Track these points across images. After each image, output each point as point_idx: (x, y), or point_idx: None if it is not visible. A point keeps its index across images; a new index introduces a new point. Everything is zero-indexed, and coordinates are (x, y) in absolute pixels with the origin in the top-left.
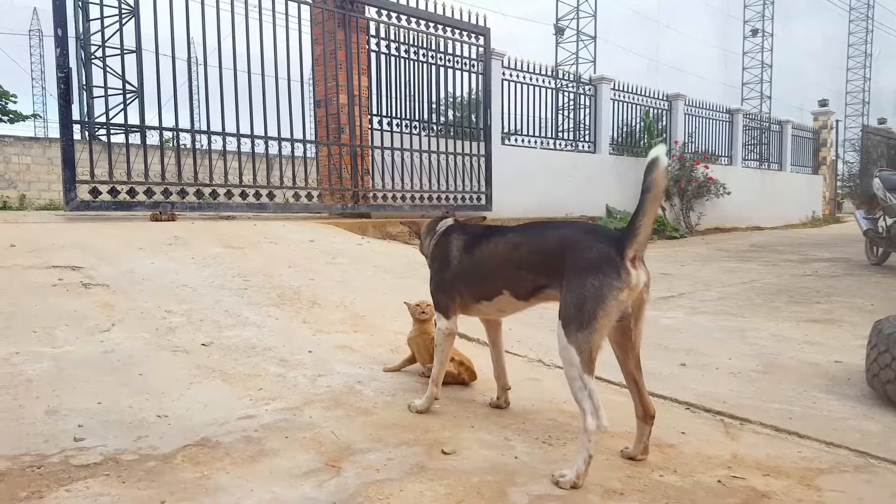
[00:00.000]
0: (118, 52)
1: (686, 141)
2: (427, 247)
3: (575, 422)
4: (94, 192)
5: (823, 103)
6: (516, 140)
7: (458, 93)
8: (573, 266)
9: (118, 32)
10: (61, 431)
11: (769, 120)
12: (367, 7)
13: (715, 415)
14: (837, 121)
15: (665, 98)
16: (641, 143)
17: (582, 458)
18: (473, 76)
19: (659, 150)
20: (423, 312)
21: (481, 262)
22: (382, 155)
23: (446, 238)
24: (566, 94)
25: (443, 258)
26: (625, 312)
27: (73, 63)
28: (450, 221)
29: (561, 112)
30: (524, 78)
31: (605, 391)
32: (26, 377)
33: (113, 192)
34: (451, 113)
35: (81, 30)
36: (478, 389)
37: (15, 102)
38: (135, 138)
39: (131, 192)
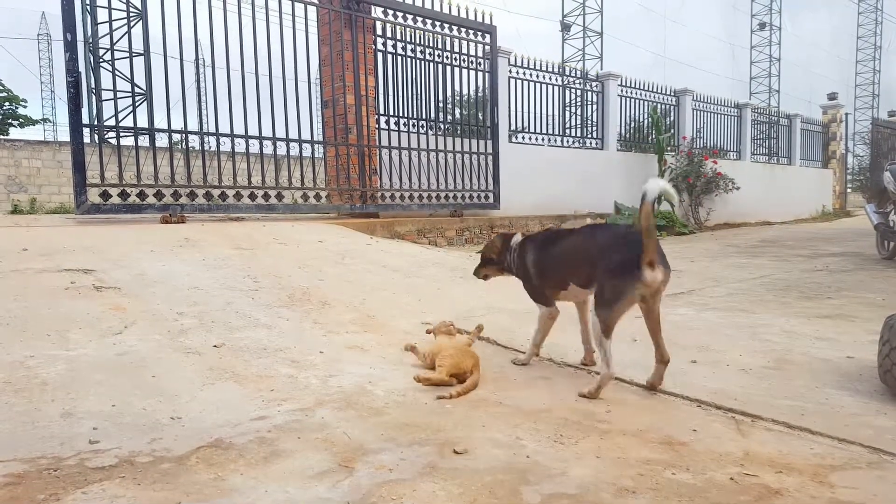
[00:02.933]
0: (126, 55)
1: (694, 136)
2: (511, 264)
3: (586, 421)
4: (105, 196)
5: (833, 97)
6: (523, 138)
7: (464, 91)
8: (606, 266)
9: (126, 35)
10: (76, 434)
11: (778, 114)
12: (373, 7)
13: (726, 412)
14: (847, 114)
15: (672, 93)
16: (649, 139)
17: (594, 385)
18: (480, 74)
19: (649, 186)
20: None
21: (554, 263)
22: (390, 154)
23: (523, 251)
24: (573, 90)
25: (526, 268)
26: (644, 296)
27: (81, 67)
28: (519, 238)
29: (568, 109)
30: (531, 75)
31: (620, 390)
32: (41, 380)
33: (123, 194)
34: (458, 111)
35: (90, 33)
36: (489, 389)
37: (25, 107)
38: (144, 141)
39: (141, 195)
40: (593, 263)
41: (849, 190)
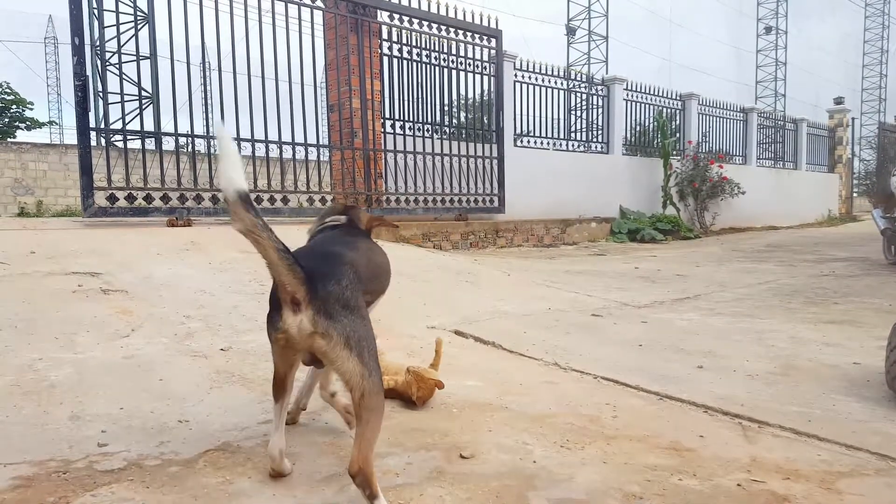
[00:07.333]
0: (133, 58)
1: (700, 140)
2: None
3: (592, 426)
4: (112, 199)
5: (839, 101)
6: (529, 142)
7: (470, 95)
8: None
9: (133, 39)
10: (85, 437)
11: (784, 118)
12: (379, 11)
13: (733, 417)
14: (853, 118)
15: (678, 98)
16: (655, 143)
17: None
18: (486, 78)
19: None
20: None
21: None
22: (395, 158)
23: None
24: (578, 94)
25: None
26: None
27: (89, 70)
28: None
29: (573, 113)
30: (536, 79)
31: (622, 394)
32: (50, 383)
33: (130, 198)
34: (463, 115)
35: (97, 37)
36: (494, 393)
37: (31, 109)
38: (150, 144)
39: (148, 199)
40: None
41: (855, 194)
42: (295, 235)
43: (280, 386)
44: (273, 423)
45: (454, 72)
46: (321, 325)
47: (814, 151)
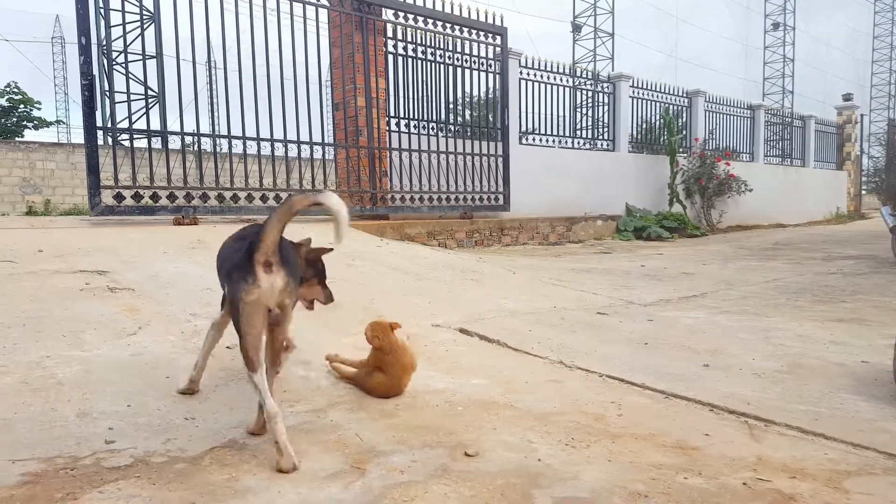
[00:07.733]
0: (139, 57)
1: (707, 138)
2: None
3: (597, 424)
4: (118, 198)
5: (847, 97)
6: (534, 139)
7: (475, 93)
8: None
9: (139, 38)
10: (92, 434)
11: (791, 115)
12: (383, 9)
13: (739, 416)
14: (862, 115)
15: (685, 95)
16: (661, 140)
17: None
18: (491, 76)
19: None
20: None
21: None
22: (400, 156)
23: None
24: (584, 92)
25: None
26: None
27: (95, 70)
28: None
29: (579, 110)
30: (542, 77)
31: (628, 393)
32: (57, 380)
33: (136, 196)
34: (468, 113)
35: (104, 36)
36: (499, 391)
37: (39, 109)
38: (157, 143)
39: (154, 197)
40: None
41: (864, 192)
42: (299, 231)
43: (255, 350)
44: (261, 393)
45: (459, 69)
46: (291, 284)
47: (822, 148)
